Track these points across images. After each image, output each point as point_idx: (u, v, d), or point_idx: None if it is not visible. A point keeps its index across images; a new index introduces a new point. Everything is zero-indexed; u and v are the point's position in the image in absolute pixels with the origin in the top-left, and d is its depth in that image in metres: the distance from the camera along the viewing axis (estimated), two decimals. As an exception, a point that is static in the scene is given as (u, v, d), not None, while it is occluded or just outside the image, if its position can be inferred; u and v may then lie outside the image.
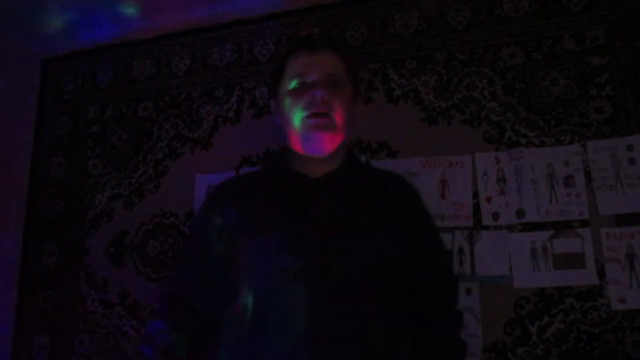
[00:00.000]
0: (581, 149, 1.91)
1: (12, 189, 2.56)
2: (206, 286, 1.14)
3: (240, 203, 1.13)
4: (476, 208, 1.98)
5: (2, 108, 2.57)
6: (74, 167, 2.59)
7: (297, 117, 1.11)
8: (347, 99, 1.16)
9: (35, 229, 2.54)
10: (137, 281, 2.32)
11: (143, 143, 2.50)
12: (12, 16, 2.46)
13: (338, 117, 1.11)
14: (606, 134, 1.90)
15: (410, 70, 2.17)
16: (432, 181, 2.04)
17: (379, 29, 2.25)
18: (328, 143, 1.12)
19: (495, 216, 1.95)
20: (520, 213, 1.93)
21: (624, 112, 1.90)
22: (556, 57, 2.01)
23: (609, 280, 1.79)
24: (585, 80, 1.96)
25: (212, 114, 2.41)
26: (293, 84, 1.13)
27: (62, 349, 2.36)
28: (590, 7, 2.00)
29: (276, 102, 1.20)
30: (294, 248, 1.04)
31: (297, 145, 1.16)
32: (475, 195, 1.99)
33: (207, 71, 2.47)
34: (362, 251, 1.06)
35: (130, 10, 2.41)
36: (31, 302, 2.46)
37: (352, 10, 2.29)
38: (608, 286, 1.79)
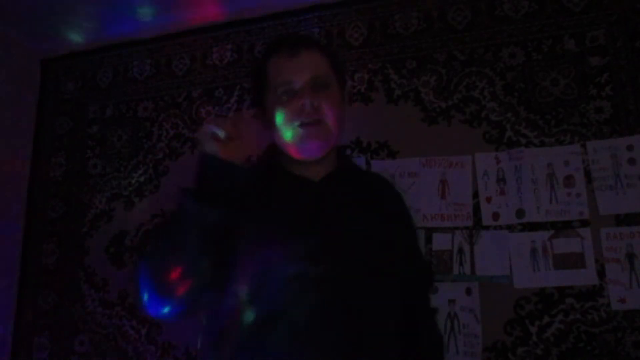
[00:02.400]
0: (581, 149, 1.91)
1: (12, 189, 2.56)
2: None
3: (244, 201, 1.04)
4: (476, 208, 1.98)
5: (2, 108, 2.57)
6: (74, 167, 2.59)
7: (288, 129, 1.06)
8: (336, 99, 1.11)
9: (35, 229, 2.54)
10: (137, 281, 2.32)
11: (143, 143, 2.50)
12: (12, 16, 2.45)
13: (330, 120, 1.07)
14: (606, 134, 1.90)
15: (410, 70, 2.17)
16: (432, 181, 2.04)
17: (379, 29, 2.25)
18: (323, 148, 1.09)
19: (495, 216, 1.95)
20: (520, 213, 1.93)
21: (624, 112, 1.90)
22: (556, 57, 2.01)
23: (609, 280, 1.79)
24: (585, 80, 1.96)
25: (212, 114, 2.41)
26: (279, 93, 1.07)
27: (62, 349, 2.36)
28: (590, 7, 2.00)
29: (263, 112, 1.13)
30: (310, 254, 1.01)
31: (291, 151, 1.11)
32: (475, 195, 1.99)
33: (207, 71, 2.47)
34: (375, 255, 1.06)
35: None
36: (31, 302, 2.46)
37: (352, 10, 2.29)
38: (608, 286, 1.79)
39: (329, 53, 1.15)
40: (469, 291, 1.92)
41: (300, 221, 1.06)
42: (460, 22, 2.15)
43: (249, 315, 1.02)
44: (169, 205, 2.36)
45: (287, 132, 1.07)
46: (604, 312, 1.78)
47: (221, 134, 0.92)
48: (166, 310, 0.97)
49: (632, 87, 1.90)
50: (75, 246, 2.47)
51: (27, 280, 2.49)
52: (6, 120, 2.59)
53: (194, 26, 2.51)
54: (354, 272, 1.02)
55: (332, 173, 1.14)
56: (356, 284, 1.01)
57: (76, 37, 2.63)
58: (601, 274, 1.80)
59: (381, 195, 1.19)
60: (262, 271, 1.02)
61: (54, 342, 2.38)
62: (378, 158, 2.13)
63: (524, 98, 2.01)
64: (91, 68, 2.68)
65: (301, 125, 1.05)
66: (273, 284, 1.00)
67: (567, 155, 1.92)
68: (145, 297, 0.96)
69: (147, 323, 2.28)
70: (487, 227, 1.95)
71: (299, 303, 0.99)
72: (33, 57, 2.73)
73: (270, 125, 1.11)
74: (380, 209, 1.14)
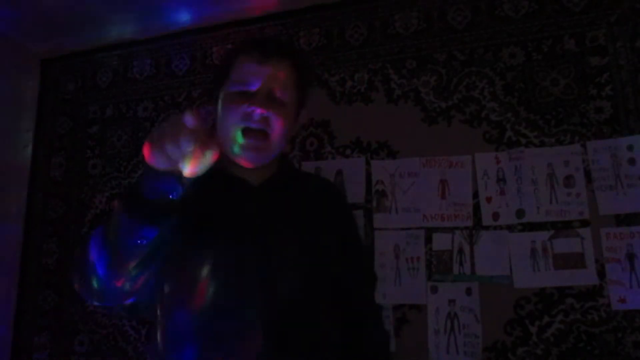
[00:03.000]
0: (581, 149, 1.91)
1: (12, 189, 2.56)
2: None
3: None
4: (476, 208, 1.98)
5: (2, 108, 2.57)
6: (74, 167, 2.59)
7: (231, 126, 1.04)
8: (288, 117, 1.08)
9: (35, 229, 2.54)
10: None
11: (143, 143, 2.49)
12: (12, 16, 2.46)
13: (275, 135, 1.04)
14: (606, 134, 1.90)
15: (410, 70, 2.17)
16: (432, 181, 2.04)
17: (379, 29, 2.25)
18: (259, 161, 1.08)
19: (495, 216, 1.95)
20: (520, 213, 1.93)
21: (624, 112, 1.90)
22: (556, 57, 2.01)
23: (609, 280, 1.79)
24: (585, 80, 1.96)
25: (212, 114, 2.41)
26: (234, 89, 1.06)
27: (62, 349, 2.36)
28: (590, 7, 2.00)
29: (215, 99, 1.12)
30: (240, 258, 1.02)
31: (227, 152, 1.08)
32: (475, 195, 1.99)
33: (207, 71, 2.47)
34: (309, 265, 1.06)
35: None
36: (31, 302, 2.46)
37: (352, 10, 2.29)
38: (608, 286, 1.79)
39: (299, 69, 1.12)
40: (469, 291, 1.92)
41: (233, 227, 1.05)
42: (460, 22, 2.15)
43: (176, 321, 1.03)
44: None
45: (230, 132, 1.05)
46: (604, 312, 1.78)
47: (190, 149, 0.79)
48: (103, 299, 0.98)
49: (632, 87, 1.90)
50: (75, 246, 2.47)
51: (27, 280, 2.49)
52: (6, 120, 2.59)
53: (194, 26, 2.51)
54: (282, 279, 1.03)
55: (272, 178, 1.13)
56: (284, 290, 1.02)
57: (76, 37, 2.63)
58: (601, 274, 1.80)
59: (320, 201, 1.18)
60: (190, 277, 1.02)
61: (54, 342, 2.38)
62: (378, 158, 2.13)
63: (524, 98, 2.01)
64: (91, 68, 2.68)
65: (245, 130, 1.03)
66: (200, 290, 1.00)
67: (567, 155, 1.92)
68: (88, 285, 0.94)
69: (147, 323, 2.28)
70: (487, 227, 1.95)
71: (226, 309, 0.99)
72: (33, 57, 2.73)
73: (218, 119, 1.10)
74: (316, 214, 1.14)
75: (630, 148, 1.86)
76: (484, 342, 1.87)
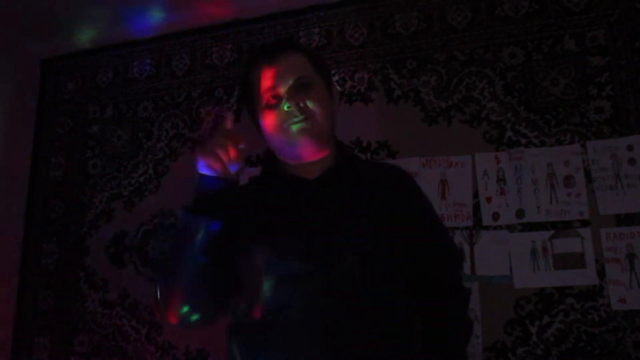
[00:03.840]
0: (581, 149, 1.91)
1: (12, 189, 2.56)
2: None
3: (241, 213, 1.11)
4: (476, 208, 1.98)
5: (2, 108, 2.57)
6: (74, 167, 2.59)
7: (279, 132, 1.09)
8: (322, 97, 1.12)
9: (35, 229, 2.54)
10: (137, 281, 2.32)
11: (143, 143, 2.50)
12: (12, 16, 2.46)
13: (318, 117, 1.09)
14: (606, 134, 1.90)
15: (410, 70, 2.17)
16: (432, 181, 2.04)
17: (379, 29, 2.25)
18: (316, 145, 1.10)
19: (495, 216, 1.95)
20: (520, 213, 1.93)
21: (624, 112, 1.90)
22: (556, 57, 2.01)
23: (609, 280, 1.79)
24: (585, 80, 1.96)
25: (212, 114, 2.41)
26: (265, 101, 1.10)
27: (62, 349, 2.36)
28: (590, 7, 2.00)
29: (254, 121, 1.18)
30: (299, 253, 1.03)
31: (283, 156, 1.14)
32: (475, 195, 1.99)
33: (207, 71, 2.47)
34: (366, 248, 1.06)
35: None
36: (31, 302, 2.46)
37: (352, 10, 2.29)
38: (608, 286, 1.79)
39: (309, 53, 1.17)
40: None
41: (290, 222, 1.07)
42: (460, 22, 2.15)
43: (249, 316, 1.06)
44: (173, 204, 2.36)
45: (278, 135, 1.10)
46: (604, 312, 1.78)
47: (224, 155, 0.96)
48: (185, 320, 1.05)
49: (632, 87, 1.90)
50: (75, 246, 2.47)
51: (27, 280, 2.49)
52: (6, 120, 2.59)
53: (194, 26, 2.51)
54: (343, 266, 1.03)
55: (329, 169, 1.14)
56: (346, 282, 1.02)
57: (77, 37, 2.64)
58: (601, 274, 1.80)
59: (389, 185, 1.18)
60: (255, 273, 1.05)
61: (54, 342, 2.38)
62: (378, 158, 2.13)
63: (524, 98, 2.01)
64: (91, 68, 2.68)
65: (291, 125, 1.08)
66: (267, 284, 1.03)
67: (567, 155, 1.92)
68: (162, 312, 1.05)
69: (147, 323, 2.28)
70: (487, 227, 1.95)
71: (289, 303, 1.01)
72: (33, 57, 2.73)
73: (264, 133, 1.14)
74: (385, 200, 1.13)
75: (630, 148, 1.86)
76: (484, 342, 1.87)
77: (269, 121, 1.10)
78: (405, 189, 1.21)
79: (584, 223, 1.86)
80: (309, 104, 1.08)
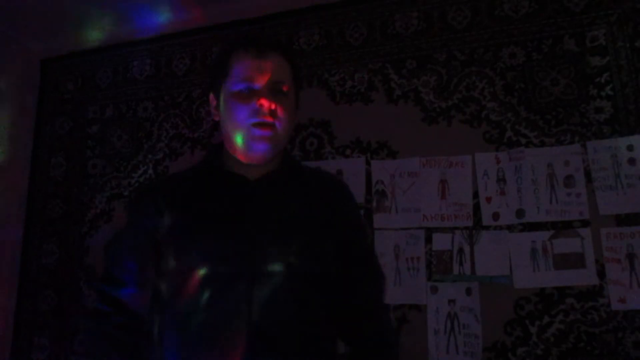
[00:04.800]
0: (581, 149, 1.91)
1: (12, 189, 2.56)
2: (138, 289, 1.12)
3: (173, 205, 1.10)
4: (476, 208, 1.98)
5: (2, 108, 2.57)
6: (74, 167, 2.59)
7: (241, 123, 1.08)
8: (291, 108, 1.13)
9: (35, 229, 2.54)
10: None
11: (143, 143, 2.50)
12: (12, 16, 2.46)
13: (281, 127, 1.08)
14: (606, 134, 1.90)
15: (410, 70, 2.17)
16: (432, 181, 2.04)
17: (379, 29, 2.25)
18: (270, 152, 1.10)
19: (495, 216, 1.95)
20: (520, 213, 1.93)
21: (624, 112, 1.90)
22: (556, 57, 2.01)
23: (609, 280, 1.79)
24: (585, 80, 1.96)
25: (212, 114, 2.41)
26: (239, 87, 1.09)
27: (62, 349, 2.36)
28: (590, 7, 2.00)
29: (217, 99, 1.16)
30: (229, 253, 1.03)
31: (236, 151, 1.12)
32: (475, 195, 1.99)
33: (207, 71, 2.47)
34: (296, 256, 1.05)
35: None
36: (31, 302, 2.46)
37: (352, 10, 2.29)
38: (608, 286, 1.79)
39: (292, 61, 1.17)
40: (469, 291, 1.92)
41: (220, 221, 1.07)
42: (460, 22, 2.15)
43: (166, 316, 1.06)
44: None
45: (239, 124, 1.09)
46: (604, 312, 1.78)
47: None
48: None
49: (632, 87, 1.90)
50: (75, 246, 2.47)
51: (27, 280, 2.49)
52: (6, 120, 2.59)
53: (194, 26, 2.51)
54: (270, 271, 1.03)
55: (271, 172, 1.14)
56: (272, 289, 1.02)
57: (76, 37, 2.64)
58: (601, 274, 1.80)
59: (321, 196, 1.18)
60: (180, 272, 1.05)
61: (54, 342, 2.38)
62: (378, 158, 2.13)
63: (524, 98, 2.01)
64: (91, 68, 2.68)
65: (255, 125, 1.07)
66: (193, 283, 1.03)
67: (567, 155, 1.92)
68: None
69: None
70: (487, 227, 1.95)
71: (213, 303, 1.01)
72: (33, 57, 2.73)
73: (224, 116, 1.12)
74: (315, 210, 1.13)
75: (630, 148, 1.86)
76: (484, 342, 1.87)
77: (235, 109, 1.09)
78: (342, 204, 1.21)
79: (584, 223, 1.85)
80: (279, 110, 1.08)
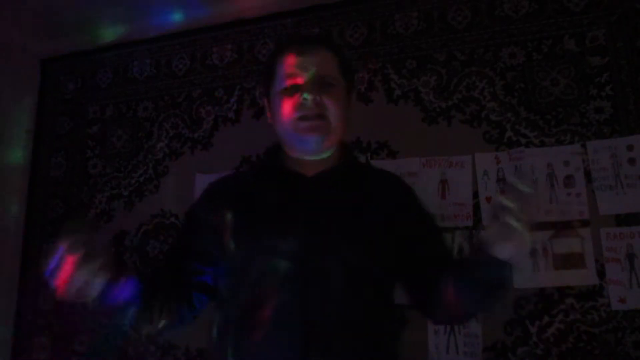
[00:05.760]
0: (581, 149, 1.91)
1: (12, 190, 2.56)
2: (195, 282, 1.14)
3: (234, 203, 1.12)
4: (476, 208, 1.97)
5: (2, 108, 2.57)
6: (74, 167, 2.59)
7: (288, 119, 1.09)
8: (340, 98, 1.12)
9: (35, 229, 2.54)
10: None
11: (143, 143, 2.50)
12: (12, 16, 2.46)
13: (332, 116, 1.09)
14: (606, 134, 1.90)
15: (410, 70, 2.17)
16: (432, 181, 2.04)
17: (379, 29, 2.25)
18: (320, 144, 1.10)
19: (495, 216, 1.94)
20: (520, 213, 1.92)
21: (624, 112, 1.90)
22: (556, 57, 2.01)
23: (609, 280, 1.79)
24: (585, 80, 1.96)
25: (212, 114, 2.41)
26: (283, 85, 1.11)
27: (62, 349, 2.36)
28: (590, 7, 2.00)
29: (268, 101, 1.18)
30: (284, 249, 1.02)
31: (288, 146, 1.14)
32: (475, 195, 1.99)
33: (207, 71, 2.47)
34: (353, 253, 1.04)
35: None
36: (31, 302, 2.46)
37: (352, 10, 2.29)
38: (608, 286, 1.79)
39: (340, 54, 1.17)
40: (469, 291, 1.91)
41: (277, 218, 1.07)
42: (460, 22, 2.15)
43: (229, 311, 1.07)
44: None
45: (286, 121, 1.10)
46: (604, 312, 1.78)
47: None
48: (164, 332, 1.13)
49: (632, 87, 1.90)
50: (75, 246, 2.46)
51: (27, 281, 2.48)
52: (6, 121, 2.59)
53: (194, 26, 2.51)
54: (326, 267, 1.02)
55: (329, 169, 1.13)
56: (328, 280, 1.01)
57: (76, 37, 2.64)
58: (601, 274, 1.80)
59: (387, 194, 1.17)
60: (241, 266, 1.06)
61: (54, 342, 2.38)
62: (378, 158, 2.13)
63: (524, 98, 2.01)
64: (91, 68, 2.67)
65: (300, 118, 1.08)
66: (251, 278, 1.04)
67: (567, 155, 1.92)
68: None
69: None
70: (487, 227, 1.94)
71: (268, 301, 1.01)
72: (33, 57, 2.73)
73: (274, 116, 1.14)
74: (381, 208, 1.12)
75: (630, 148, 1.86)
76: (484, 342, 1.87)
77: (281, 107, 1.10)
78: (405, 199, 1.19)
79: (584, 223, 1.85)
80: (326, 101, 1.08)
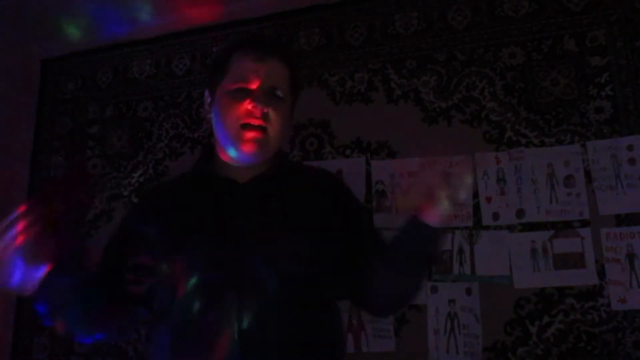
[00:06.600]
0: (581, 149, 1.91)
1: (12, 189, 2.56)
2: (130, 294, 1.10)
3: (165, 213, 1.09)
4: (476, 208, 1.97)
5: (2, 108, 2.57)
6: (74, 167, 2.58)
7: (231, 123, 1.06)
8: (285, 114, 1.11)
9: (35, 229, 2.54)
10: (137, 281, 2.32)
11: (143, 143, 2.50)
12: (12, 16, 2.46)
13: (273, 132, 1.07)
14: (606, 134, 1.90)
15: (410, 70, 2.17)
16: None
17: (379, 29, 2.25)
18: (257, 156, 1.09)
19: (495, 216, 1.95)
20: (520, 213, 1.93)
21: (624, 112, 1.90)
22: (556, 57, 2.01)
23: (609, 280, 1.79)
24: (585, 80, 1.96)
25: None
26: (234, 86, 1.08)
27: (62, 349, 2.36)
28: (590, 7, 2.00)
29: (212, 96, 1.15)
30: (216, 261, 1.00)
31: (223, 147, 1.11)
32: (475, 195, 1.99)
33: (207, 71, 2.47)
34: (286, 260, 1.02)
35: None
36: (31, 302, 2.45)
37: (352, 10, 2.29)
38: (608, 286, 1.79)
39: (292, 67, 1.16)
40: (469, 291, 1.91)
41: (207, 227, 1.05)
42: (460, 22, 2.15)
43: (164, 323, 1.04)
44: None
45: (230, 124, 1.07)
46: (604, 312, 1.78)
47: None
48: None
49: (632, 87, 1.90)
50: (75, 246, 2.47)
51: (27, 280, 2.48)
52: (6, 120, 2.59)
53: (194, 26, 2.51)
54: (262, 277, 0.99)
55: (261, 174, 1.11)
56: (264, 290, 0.99)
57: (76, 35, 2.64)
58: (601, 274, 1.80)
59: (314, 191, 1.15)
60: (172, 280, 1.02)
61: (54, 342, 2.38)
62: (378, 158, 2.13)
63: (524, 98, 2.01)
64: (91, 68, 2.68)
65: (245, 126, 1.06)
66: (182, 291, 1.01)
67: (567, 155, 1.92)
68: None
69: (147, 323, 2.27)
70: (487, 227, 1.95)
71: (204, 312, 0.99)
72: (33, 57, 2.73)
73: (216, 113, 1.12)
74: (315, 209, 1.11)
75: (630, 148, 1.86)
76: (484, 342, 1.87)
77: (226, 107, 1.08)
78: (337, 198, 1.17)
79: (584, 223, 1.85)
80: (272, 114, 1.06)
